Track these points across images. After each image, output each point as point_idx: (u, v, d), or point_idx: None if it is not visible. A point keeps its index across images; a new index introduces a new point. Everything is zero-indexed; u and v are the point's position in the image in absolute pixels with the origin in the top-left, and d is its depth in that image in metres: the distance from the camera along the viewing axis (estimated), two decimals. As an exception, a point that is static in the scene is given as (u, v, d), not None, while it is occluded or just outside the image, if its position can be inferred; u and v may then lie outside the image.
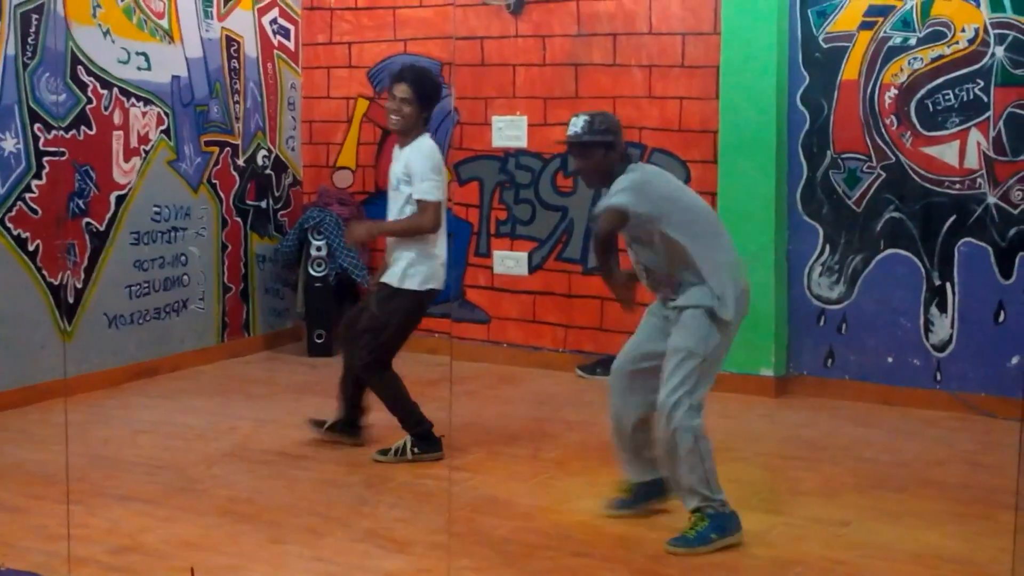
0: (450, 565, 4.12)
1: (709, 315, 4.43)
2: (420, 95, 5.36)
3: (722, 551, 4.39)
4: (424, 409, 6.45)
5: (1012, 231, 6.25)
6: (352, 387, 5.68)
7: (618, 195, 4.49)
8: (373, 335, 5.48)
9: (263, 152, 8.02)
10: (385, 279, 5.49)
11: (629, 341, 4.78)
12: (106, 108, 6.81)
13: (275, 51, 8.07)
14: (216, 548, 4.38)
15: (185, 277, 7.42)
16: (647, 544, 4.46)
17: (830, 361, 6.70)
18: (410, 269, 5.41)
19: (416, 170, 5.34)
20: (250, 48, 7.84)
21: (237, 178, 7.81)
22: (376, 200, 8.12)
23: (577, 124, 4.63)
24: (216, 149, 7.63)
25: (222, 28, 7.60)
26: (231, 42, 7.69)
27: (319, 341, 7.84)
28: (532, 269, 7.58)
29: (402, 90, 5.35)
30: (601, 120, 4.64)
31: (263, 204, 8.05)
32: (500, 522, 4.70)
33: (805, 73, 6.68)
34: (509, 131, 7.58)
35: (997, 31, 6.21)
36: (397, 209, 5.45)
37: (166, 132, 7.23)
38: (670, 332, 4.52)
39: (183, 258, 7.40)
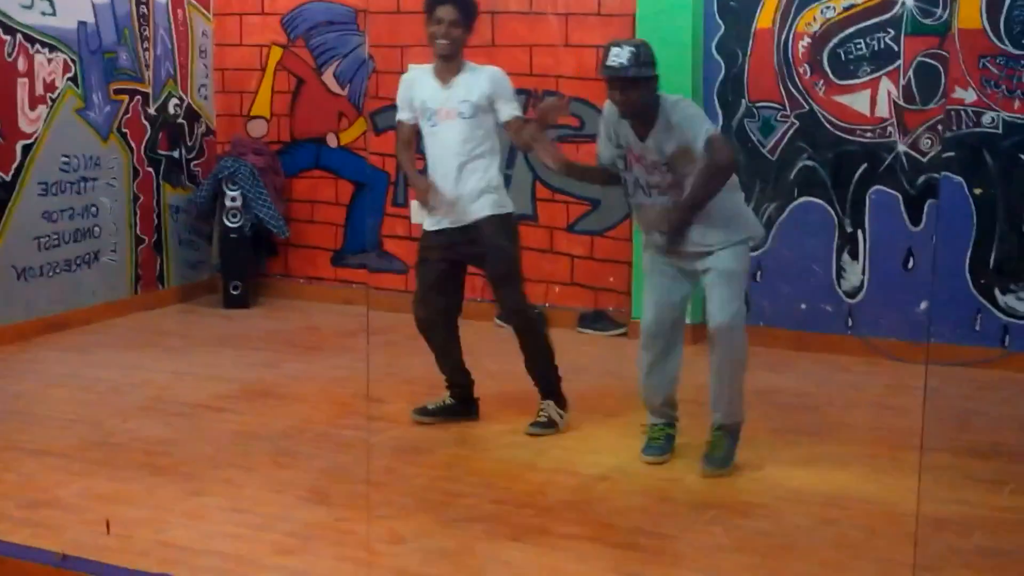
0: (369, 514, 4.12)
1: (745, 243, 4.68)
2: (465, 15, 5.06)
3: (641, 495, 4.46)
4: (343, 360, 6.48)
5: (921, 179, 6.37)
6: (453, 362, 5.34)
7: (707, 122, 4.59)
8: (512, 278, 5.14)
9: (174, 100, 7.87)
10: (484, 212, 5.08)
11: (651, 303, 4.79)
12: (9, 55, 6.62)
13: (185, -3, 7.91)
14: (133, 501, 4.34)
15: (96, 228, 7.28)
16: (566, 490, 4.51)
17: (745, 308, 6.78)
18: (500, 192, 5.14)
19: (502, 93, 5.07)
20: (159, -6, 7.68)
21: (148, 127, 7.65)
22: (291, 149, 8.04)
23: (622, 56, 4.45)
24: (126, 97, 7.46)
25: (130, -27, 7.42)
26: (140, -13, 7.51)
27: (235, 293, 7.75)
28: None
29: (448, 11, 5.01)
30: (645, 51, 4.52)
31: (175, 154, 7.91)
32: (420, 471, 4.72)
33: (720, 22, 6.71)
34: (425, 80, 7.50)
35: (908, -19, 6.30)
36: (461, 139, 5.05)
37: (73, 79, 7.05)
38: (686, 277, 4.73)
39: (93, 209, 7.25)
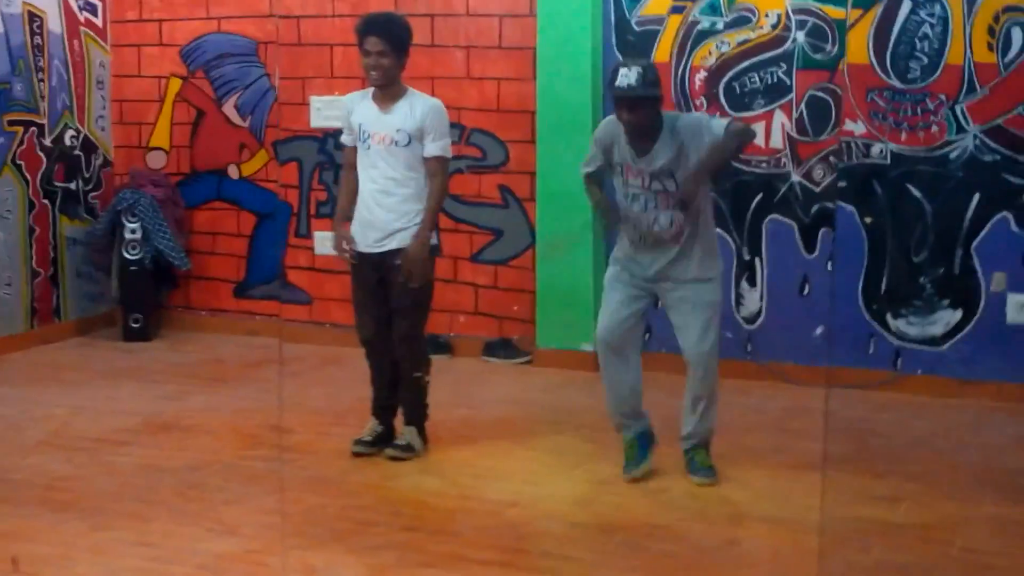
0: (284, 544, 4.11)
1: (720, 278, 4.95)
2: (395, 44, 5.04)
3: (550, 520, 4.51)
4: (249, 391, 6.44)
5: (814, 208, 6.56)
6: (385, 382, 5.32)
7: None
8: (411, 311, 5.17)
9: (71, 132, 7.75)
10: (394, 245, 5.10)
11: (607, 311, 4.96)
12: (-99, 85, 6.50)
13: (81, 27, 7.80)
14: (36, 538, 4.26)
15: (-10, 262, 7.14)
16: (476, 516, 4.55)
17: (648, 335, 6.88)
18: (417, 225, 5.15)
19: (434, 126, 5.07)
20: (54, 24, 7.56)
21: (44, 159, 7.53)
22: (190, 181, 7.97)
23: (630, 76, 4.58)
24: (20, 129, 7.33)
25: (23, 3, 7.29)
26: (34, 17, 7.39)
27: (135, 326, 7.64)
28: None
29: (374, 43, 4.99)
30: (652, 71, 4.67)
31: (72, 186, 7.79)
32: (329, 500, 4.71)
33: (619, 55, 6.84)
34: (327, 111, 7.52)
35: (798, 17, 6.50)
36: (390, 166, 5.08)
37: (-34, 111, 6.93)
38: (647, 295, 4.94)
39: (-12, 242, 7.12)
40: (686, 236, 4.80)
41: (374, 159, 5.11)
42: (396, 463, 5.14)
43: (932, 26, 6.26)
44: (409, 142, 5.07)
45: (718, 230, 6.63)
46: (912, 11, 6.28)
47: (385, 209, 5.10)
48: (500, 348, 7.12)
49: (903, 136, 6.36)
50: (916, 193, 6.37)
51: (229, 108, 7.81)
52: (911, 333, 6.46)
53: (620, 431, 5.09)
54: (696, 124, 4.79)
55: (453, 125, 6.84)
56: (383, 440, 5.28)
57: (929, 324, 6.41)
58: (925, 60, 6.29)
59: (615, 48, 6.84)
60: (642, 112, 4.67)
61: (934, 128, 6.31)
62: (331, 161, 7.55)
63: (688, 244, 4.81)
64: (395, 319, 5.19)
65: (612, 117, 4.87)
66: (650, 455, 5.04)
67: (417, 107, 5.10)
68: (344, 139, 5.28)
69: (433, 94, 6.96)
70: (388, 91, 5.10)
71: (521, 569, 4.05)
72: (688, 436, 5.00)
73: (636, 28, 6.80)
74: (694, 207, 4.77)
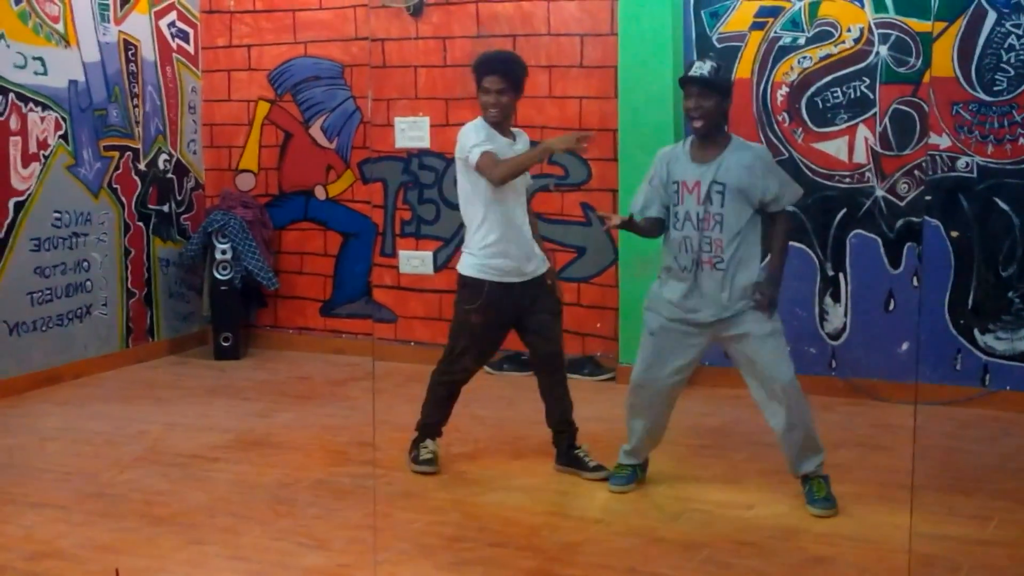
0: (374, 558, 4.18)
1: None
2: (514, 82, 5.18)
3: (633, 536, 4.54)
4: (336, 408, 6.56)
5: (899, 223, 6.52)
6: (557, 405, 5.39)
7: (796, 186, 4.95)
8: (560, 321, 5.40)
9: (164, 156, 7.97)
10: (545, 267, 5.34)
11: (652, 359, 4.92)
12: (2, 114, 6.72)
13: (174, 54, 8.02)
14: (134, 551, 4.39)
15: (88, 283, 7.35)
16: (561, 532, 4.59)
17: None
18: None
19: None
20: (148, 52, 7.79)
21: (138, 182, 7.75)
22: (278, 202, 8.14)
23: (704, 67, 4.76)
24: (116, 154, 7.56)
25: (119, 32, 7.54)
26: (129, 46, 7.63)
27: (226, 344, 7.82)
28: (437, 268, 7.67)
29: (494, 81, 5.13)
30: (725, 70, 4.90)
31: (165, 208, 8.01)
32: (416, 516, 4.78)
33: (700, 72, 6.85)
34: (411, 132, 7.65)
35: (881, 31, 6.47)
36: (523, 197, 5.31)
37: (64, 137, 7.15)
38: (700, 340, 4.87)
39: (85, 264, 7.32)
40: (729, 260, 4.76)
41: (520, 192, 5.28)
42: (478, 480, 5.22)
43: (1018, 37, 6.19)
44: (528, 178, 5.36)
45: (801, 245, 6.65)
46: (997, 22, 6.22)
47: (527, 237, 5.27)
48: (583, 365, 7.16)
49: (989, 149, 6.30)
50: (1003, 206, 6.30)
51: (316, 130, 7.97)
52: (999, 348, 6.37)
53: (627, 456, 5.11)
54: (767, 163, 4.84)
55: (534, 143, 6.96)
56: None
57: (1018, 339, 6.32)
58: (1011, 72, 6.22)
59: (696, 65, 6.85)
60: (709, 102, 4.73)
61: (1021, 140, 6.24)
62: (415, 181, 7.67)
63: (731, 267, 4.76)
64: (549, 336, 5.33)
65: (668, 147, 5.05)
66: (637, 482, 5.09)
67: (523, 138, 5.35)
68: (489, 147, 5.10)
69: (516, 114, 7.08)
70: (504, 127, 5.23)
71: (606, 585, 4.08)
72: (797, 470, 4.88)
73: (717, 45, 6.81)
74: (741, 231, 4.76)
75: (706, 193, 4.75)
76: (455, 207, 7.54)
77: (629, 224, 4.83)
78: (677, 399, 5.06)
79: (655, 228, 4.93)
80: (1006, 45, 6.22)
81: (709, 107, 4.74)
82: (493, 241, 5.16)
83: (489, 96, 5.13)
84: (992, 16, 6.23)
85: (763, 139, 6.75)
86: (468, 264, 5.23)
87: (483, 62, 5.22)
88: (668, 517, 4.75)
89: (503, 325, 5.32)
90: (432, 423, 5.42)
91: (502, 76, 5.13)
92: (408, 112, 7.65)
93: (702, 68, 4.77)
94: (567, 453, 5.33)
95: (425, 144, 7.61)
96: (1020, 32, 6.19)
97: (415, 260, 7.73)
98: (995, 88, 6.26)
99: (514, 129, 5.31)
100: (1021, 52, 6.19)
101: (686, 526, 4.66)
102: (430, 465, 5.32)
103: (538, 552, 4.38)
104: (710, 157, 4.78)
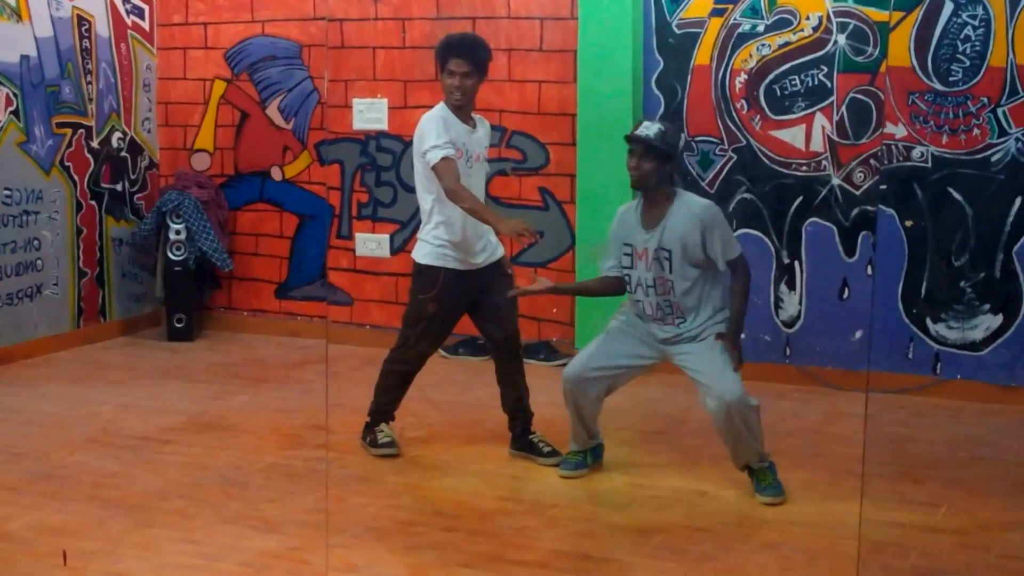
0: (326, 542, 4.16)
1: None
2: (478, 65, 5.10)
3: (586, 521, 4.55)
4: (290, 391, 6.53)
5: (854, 211, 6.56)
6: (513, 390, 5.39)
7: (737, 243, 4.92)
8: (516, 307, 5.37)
9: (118, 134, 7.88)
10: (500, 253, 5.31)
11: (597, 348, 4.95)
12: (-48, 88, 6.62)
13: (129, 31, 7.92)
14: (83, 534, 4.34)
15: (39, 262, 7.25)
16: (515, 517, 4.58)
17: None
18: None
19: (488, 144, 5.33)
20: (102, 28, 7.68)
21: (91, 160, 7.65)
22: (234, 183, 8.07)
23: (651, 128, 4.73)
24: (69, 131, 7.46)
25: (73, 7, 7.42)
26: (82, 21, 7.52)
27: (179, 326, 7.76)
28: (394, 251, 7.63)
29: (460, 64, 5.05)
30: (673, 135, 4.82)
31: (119, 187, 7.91)
32: (370, 500, 4.76)
33: (659, 58, 6.87)
34: (369, 113, 7.61)
35: (839, 19, 6.49)
36: (482, 183, 5.24)
37: (15, 113, 7.04)
38: (653, 353, 4.91)
39: (36, 242, 7.23)
40: (689, 309, 4.80)
41: (476, 176, 5.19)
42: (433, 464, 5.21)
43: (974, 28, 6.24)
44: (484, 162, 5.29)
45: (757, 232, 6.68)
46: (954, 13, 6.27)
47: (483, 225, 5.16)
48: (539, 351, 7.16)
49: (944, 139, 6.35)
50: (957, 196, 6.35)
51: (272, 111, 7.90)
52: (951, 338, 6.44)
53: (575, 442, 5.12)
54: (709, 221, 4.75)
55: (494, 127, 6.94)
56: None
57: (969, 329, 6.39)
58: (967, 62, 6.27)
59: (656, 51, 6.86)
60: (650, 165, 4.71)
61: (975, 131, 6.29)
62: (373, 163, 7.62)
63: (693, 312, 4.81)
64: (505, 322, 5.31)
65: (627, 204, 4.98)
66: (588, 468, 5.09)
67: (485, 127, 5.30)
68: (450, 153, 5.00)
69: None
70: (467, 110, 5.17)
71: (560, 570, 4.08)
72: (744, 464, 4.87)
73: (677, 31, 6.82)
74: (696, 289, 4.79)
75: (654, 259, 4.78)
76: (412, 190, 7.48)
77: (575, 290, 4.92)
78: (602, 398, 5.03)
79: (611, 288, 5.03)
80: (962, 36, 6.26)
81: (648, 169, 4.73)
82: (447, 229, 5.13)
83: (454, 79, 5.07)
84: (949, 7, 6.27)
85: (721, 126, 6.76)
86: (423, 252, 5.21)
87: (448, 44, 5.14)
88: (622, 503, 4.77)
89: (457, 311, 5.30)
90: (385, 408, 5.40)
91: (467, 59, 5.07)
92: (366, 93, 7.60)
93: (648, 129, 4.73)
94: (522, 438, 5.33)
95: (383, 126, 7.57)
96: (976, 23, 6.24)
97: (372, 243, 7.69)
98: (951, 79, 6.31)
99: (476, 116, 5.26)
100: (976, 43, 6.24)
101: (639, 512, 4.67)
102: (390, 448, 5.29)
103: (492, 537, 4.38)
104: (655, 221, 4.78)
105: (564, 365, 6.97)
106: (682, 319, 4.80)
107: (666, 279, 4.77)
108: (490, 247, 5.24)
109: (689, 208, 4.77)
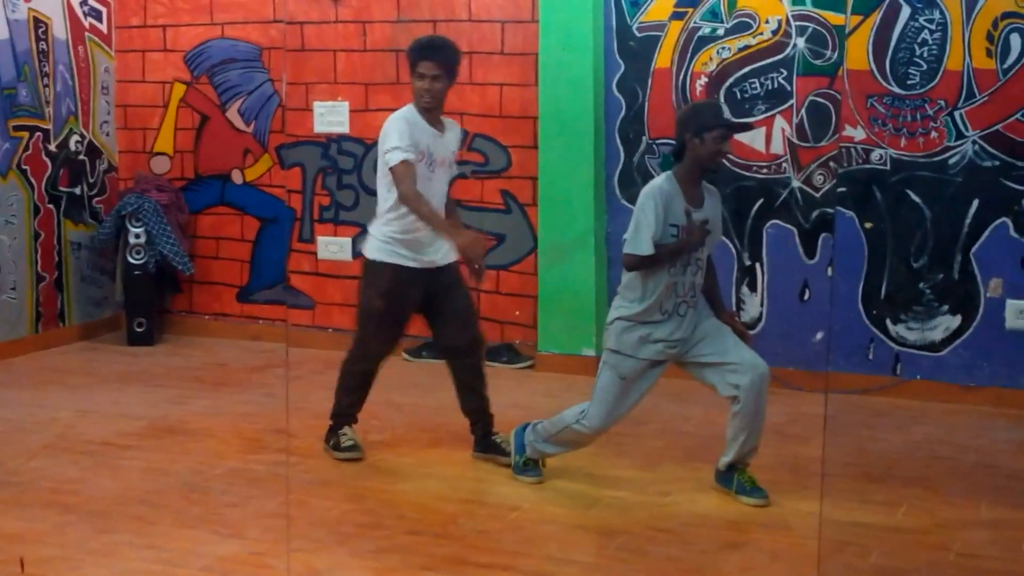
0: (289, 547, 4.14)
1: None
2: (448, 68, 5.09)
3: (552, 524, 4.55)
4: (252, 395, 6.49)
5: (815, 213, 6.60)
6: (474, 394, 5.37)
7: None
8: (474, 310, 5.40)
9: (76, 137, 7.80)
10: (452, 259, 5.21)
11: (618, 400, 4.75)
12: (-93, 91, 6.54)
13: (86, 33, 7.85)
14: (42, 540, 4.30)
15: (-5, 266, 7.19)
16: (478, 520, 4.58)
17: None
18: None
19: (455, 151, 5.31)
20: (59, 30, 7.61)
21: (49, 164, 7.58)
22: (194, 186, 8.01)
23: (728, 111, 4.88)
24: (26, 134, 7.38)
25: (29, 9, 7.35)
26: (39, 23, 7.45)
27: (139, 330, 7.69)
28: (356, 254, 7.60)
29: (430, 67, 5.03)
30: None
31: (77, 190, 7.84)
32: (332, 504, 4.74)
33: (620, 61, 6.89)
34: (331, 116, 7.58)
35: (798, 23, 6.54)
36: (444, 188, 5.22)
37: (-28, 116, 6.98)
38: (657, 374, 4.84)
39: (-8, 247, 7.16)
40: (697, 295, 4.83)
41: (437, 180, 5.15)
42: (395, 467, 5.20)
43: (931, 32, 6.30)
44: (451, 165, 5.29)
45: (719, 235, 6.69)
46: (911, 17, 6.33)
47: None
48: (502, 353, 7.16)
49: (902, 142, 6.40)
50: (915, 199, 6.41)
51: (233, 113, 7.86)
52: (911, 338, 6.49)
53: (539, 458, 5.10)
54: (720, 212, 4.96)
55: (463, 131, 6.94)
56: None
57: (928, 329, 6.45)
58: (924, 66, 6.33)
59: (616, 54, 6.88)
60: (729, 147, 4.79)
61: (933, 134, 6.35)
62: (334, 166, 7.60)
63: (699, 299, 4.85)
64: (465, 324, 5.31)
65: (660, 179, 4.75)
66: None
67: (455, 131, 5.31)
68: (409, 156, 4.96)
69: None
70: (436, 113, 5.15)
71: (523, 572, 4.08)
72: (736, 462, 4.83)
73: (637, 34, 6.84)
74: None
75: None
76: (374, 193, 7.47)
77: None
78: None
79: None
80: (919, 40, 6.32)
81: (728, 151, 4.82)
82: (401, 225, 5.10)
83: (423, 82, 5.06)
84: (906, 11, 6.33)
85: (682, 129, 6.78)
86: (373, 247, 5.19)
87: (418, 47, 5.13)
88: (585, 504, 4.77)
89: (408, 310, 5.25)
90: (347, 411, 5.38)
91: (437, 62, 5.06)
92: (327, 96, 7.58)
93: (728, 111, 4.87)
94: (484, 441, 5.32)
95: (344, 129, 7.55)
96: (933, 27, 6.30)
97: (333, 246, 7.67)
98: (908, 82, 6.37)
99: (446, 120, 5.24)
100: (934, 47, 6.30)
101: (603, 513, 4.68)
102: (353, 451, 5.27)
103: (455, 539, 4.37)
104: (698, 198, 4.77)
105: (528, 367, 7.05)
106: (694, 298, 4.78)
107: (700, 259, 4.78)
108: (446, 247, 5.18)
109: (710, 189, 4.85)
